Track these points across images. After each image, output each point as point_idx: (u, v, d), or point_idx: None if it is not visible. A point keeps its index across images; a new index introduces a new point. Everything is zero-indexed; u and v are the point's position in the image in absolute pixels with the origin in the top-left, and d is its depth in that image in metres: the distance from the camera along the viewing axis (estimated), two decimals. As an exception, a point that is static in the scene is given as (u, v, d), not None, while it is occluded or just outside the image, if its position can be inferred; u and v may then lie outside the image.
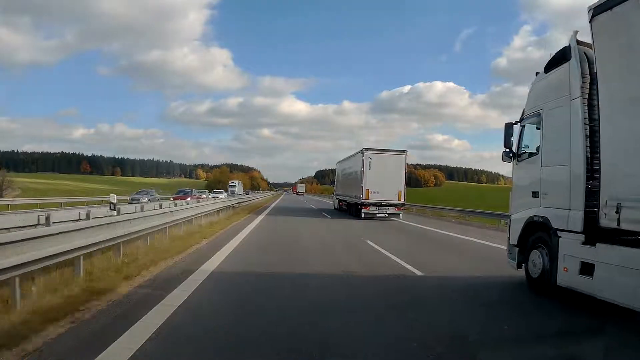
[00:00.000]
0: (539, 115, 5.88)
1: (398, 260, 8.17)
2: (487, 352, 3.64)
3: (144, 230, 7.72)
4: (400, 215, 20.10)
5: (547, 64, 5.82)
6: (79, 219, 7.39)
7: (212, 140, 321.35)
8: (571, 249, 4.94)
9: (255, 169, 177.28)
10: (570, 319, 4.72)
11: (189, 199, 26.01)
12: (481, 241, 11.97)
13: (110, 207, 9.89)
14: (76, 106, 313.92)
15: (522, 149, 6.42)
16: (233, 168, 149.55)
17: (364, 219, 19.51)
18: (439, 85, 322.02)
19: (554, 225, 5.28)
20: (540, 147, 5.83)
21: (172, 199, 26.13)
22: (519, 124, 6.45)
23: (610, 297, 4.29)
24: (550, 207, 5.46)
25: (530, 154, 6.20)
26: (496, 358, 3.65)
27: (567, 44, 5.38)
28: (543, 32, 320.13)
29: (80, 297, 4.50)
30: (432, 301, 5.45)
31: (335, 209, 29.28)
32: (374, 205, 19.63)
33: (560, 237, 5.15)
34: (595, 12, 4.48)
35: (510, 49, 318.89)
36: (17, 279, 4.02)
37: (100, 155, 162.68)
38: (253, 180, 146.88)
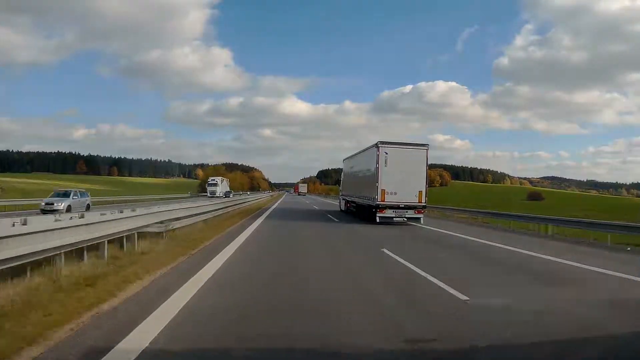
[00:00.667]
0: None
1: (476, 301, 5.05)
2: None
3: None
4: (421, 219, 17.19)
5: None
6: None
7: (213, 141, 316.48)
8: None
9: (256, 169, 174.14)
10: None
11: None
12: (556, 259, 8.84)
13: None
14: (77, 106, 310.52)
15: None
16: (233, 168, 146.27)
17: (379, 224, 16.64)
18: (440, 85, 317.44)
19: None
20: None
21: (42, 205, 20.66)
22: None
23: None
24: None
25: None
26: None
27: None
28: (545, 31, 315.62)
29: None
30: None
31: (341, 211, 26.35)
32: (391, 207, 16.72)
33: None
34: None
35: (512, 48, 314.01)
36: None
37: (97, 155, 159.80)
38: (253, 180, 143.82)
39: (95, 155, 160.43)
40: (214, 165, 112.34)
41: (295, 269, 7.25)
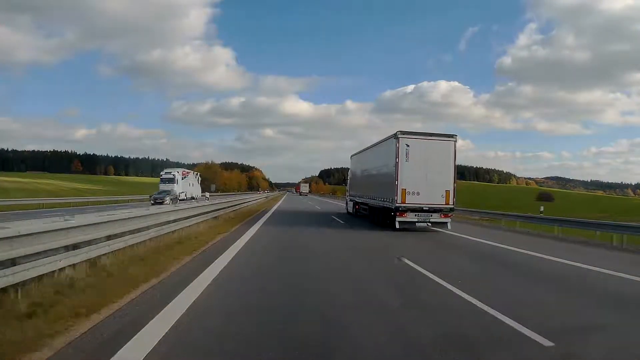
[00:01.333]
0: None
1: None
2: None
3: None
4: (448, 224, 14.36)
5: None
6: None
7: (214, 140, 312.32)
8: None
9: (256, 168, 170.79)
10: None
11: None
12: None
13: None
14: (78, 106, 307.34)
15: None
16: (233, 167, 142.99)
17: (399, 230, 13.82)
18: (443, 85, 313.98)
19: None
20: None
21: None
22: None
23: None
24: None
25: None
26: None
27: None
28: (549, 30, 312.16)
29: None
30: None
31: (349, 213, 23.50)
32: (413, 210, 13.91)
33: None
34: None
35: (515, 48, 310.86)
36: None
37: (93, 154, 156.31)
38: (252, 180, 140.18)
39: (92, 154, 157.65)
40: (206, 163, 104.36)
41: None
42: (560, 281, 6.67)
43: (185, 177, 37.36)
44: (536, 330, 3.90)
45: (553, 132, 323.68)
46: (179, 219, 10.74)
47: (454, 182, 14.27)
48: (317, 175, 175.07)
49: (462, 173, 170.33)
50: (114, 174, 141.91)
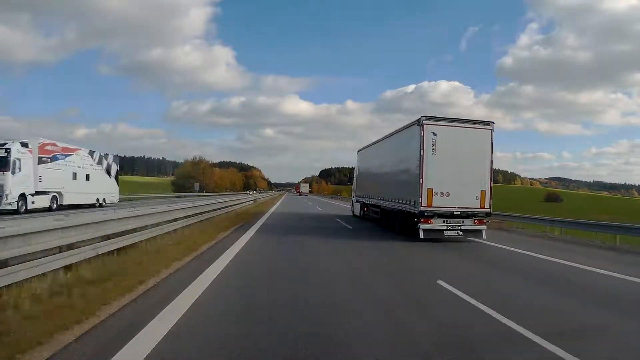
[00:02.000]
0: None
1: None
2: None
3: None
4: (483, 232, 11.60)
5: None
6: None
7: (215, 140, 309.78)
8: None
9: (255, 168, 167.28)
10: None
11: None
12: None
13: None
14: (78, 106, 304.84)
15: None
16: (232, 166, 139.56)
17: (424, 240, 11.04)
18: (443, 85, 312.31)
19: None
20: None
21: None
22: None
23: None
24: None
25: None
26: None
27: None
28: (550, 30, 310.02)
29: None
30: None
31: (356, 216, 20.73)
32: (441, 215, 11.16)
33: None
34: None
35: (516, 48, 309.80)
36: None
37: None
38: (250, 179, 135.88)
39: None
40: (199, 159, 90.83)
41: None
42: None
43: (53, 158, 19.36)
44: None
45: (553, 132, 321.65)
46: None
47: (491, 181, 11.55)
48: (317, 175, 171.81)
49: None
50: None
